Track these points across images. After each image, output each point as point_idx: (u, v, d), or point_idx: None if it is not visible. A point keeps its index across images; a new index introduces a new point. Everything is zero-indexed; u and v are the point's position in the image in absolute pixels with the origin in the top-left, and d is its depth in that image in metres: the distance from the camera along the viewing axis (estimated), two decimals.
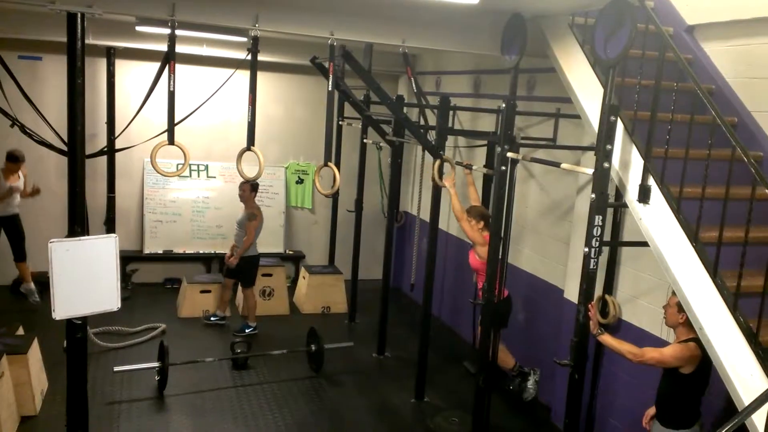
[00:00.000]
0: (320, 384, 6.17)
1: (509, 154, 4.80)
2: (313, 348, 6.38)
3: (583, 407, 4.35)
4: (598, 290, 4.83)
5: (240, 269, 7.14)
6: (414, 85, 5.17)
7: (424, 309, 5.97)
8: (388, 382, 6.33)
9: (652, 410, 3.93)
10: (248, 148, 4.68)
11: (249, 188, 6.95)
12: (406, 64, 5.04)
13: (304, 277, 8.30)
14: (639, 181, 3.52)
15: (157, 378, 5.71)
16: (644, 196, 3.49)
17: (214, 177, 8.75)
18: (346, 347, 6.70)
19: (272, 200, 8.98)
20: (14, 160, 6.82)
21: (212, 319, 7.35)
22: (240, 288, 7.59)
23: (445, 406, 5.85)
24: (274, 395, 5.82)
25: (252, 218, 6.97)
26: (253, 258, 7.17)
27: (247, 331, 7.16)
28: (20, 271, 7.20)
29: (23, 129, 4.29)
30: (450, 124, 6.40)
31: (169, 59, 4.22)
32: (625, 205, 3.78)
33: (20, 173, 6.98)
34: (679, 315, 3.55)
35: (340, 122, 8.16)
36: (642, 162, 3.53)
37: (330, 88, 4.74)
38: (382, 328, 6.92)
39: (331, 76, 4.73)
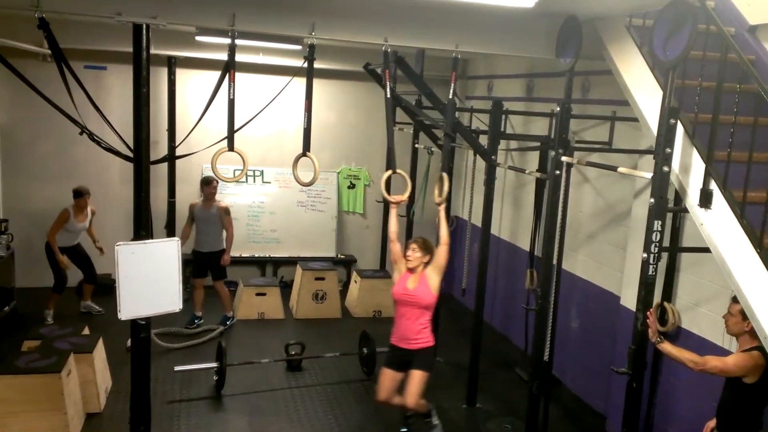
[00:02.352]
0: (372, 387, 6.17)
1: (563, 158, 4.76)
2: (365, 351, 6.43)
3: (640, 416, 4.26)
4: (657, 297, 4.73)
5: (213, 263, 7.33)
6: (451, 92, 5.11)
7: (476, 314, 5.95)
8: (440, 387, 6.30)
9: (712, 422, 3.81)
10: (304, 154, 4.74)
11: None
12: (453, 69, 5.00)
13: (355, 281, 8.37)
14: (700, 186, 3.43)
15: (215, 378, 5.87)
16: (706, 200, 3.41)
17: (269, 182, 8.93)
18: None
19: (324, 205, 9.10)
20: (79, 195, 7.12)
21: (196, 321, 7.35)
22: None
23: (497, 412, 5.81)
24: (327, 397, 5.89)
25: (228, 212, 7.23)
26: (222, 252, 7.33)
27: (228, 323, 7.38)
28: (84, 290, 7.55)
29: (92, 137, 4.47)
30: (502, 128, 6.37)
31: (229, 68, 4.32)
32: (686, 210, 3.70)
33: (89, 210, 7.28)
34: (744, 323, 3.45)
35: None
36: (703, 165, 3.45)
37: (388, 95, 4.73)
38: (434, 333, 6.89)
39: (387, 83, 4.73)
